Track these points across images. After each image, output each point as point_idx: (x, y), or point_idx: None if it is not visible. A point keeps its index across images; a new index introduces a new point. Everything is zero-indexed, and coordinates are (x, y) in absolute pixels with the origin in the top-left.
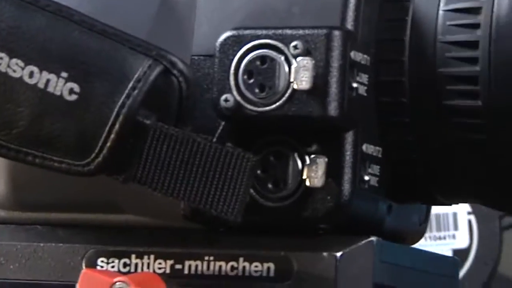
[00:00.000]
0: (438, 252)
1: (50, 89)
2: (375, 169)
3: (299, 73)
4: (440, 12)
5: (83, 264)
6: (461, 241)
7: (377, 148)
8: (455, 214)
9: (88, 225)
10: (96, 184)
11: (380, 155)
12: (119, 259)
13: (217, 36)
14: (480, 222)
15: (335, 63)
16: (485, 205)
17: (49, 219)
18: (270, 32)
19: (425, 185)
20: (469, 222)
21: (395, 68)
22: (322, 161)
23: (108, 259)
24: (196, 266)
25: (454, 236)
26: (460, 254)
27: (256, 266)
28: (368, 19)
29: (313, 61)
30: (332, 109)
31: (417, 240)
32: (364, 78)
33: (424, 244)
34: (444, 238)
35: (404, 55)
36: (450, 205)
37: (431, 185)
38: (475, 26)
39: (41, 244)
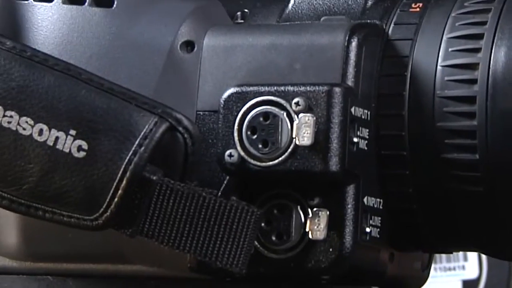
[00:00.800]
0: (448, 283)
1: (59, 146)
2: (376, 220)
3: (301, 129)
4: (439, 67)
5: None
6: (471, 272)
7: (378, 199)
8: None
9: (98, 276)
10: (106, 236)
11: (381, 207)
12: None
13: (221, 92)
14: None
15: (336, 119)
16: (485, 254)
17: (60, 270)
18: (273, 88)
19: (426, 234)
20: (479, 252)
21: (395, 122)
22: (324, 214)
23: None
24: None
25: (463, 267)
26: (470, 285)
27: None
28: (368, 75)
29: (315, 118)
30: (333, 164)
31: (420, 286)
32: (364, 132)
33: (434, 275)
34: (454, 269)
35: (403, 109)
36: (451, 253)
37: (432, 234)
38: (473, 81)
39: None
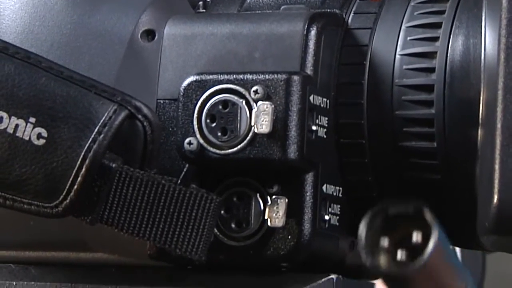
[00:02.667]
0: None
1: (19, 134)
2: (336, 208)
3: (260, 117)
4: (397, 56)
5: None
6: None
7: (337, 188)
8: None
9: (59, 263)
10: (67, 224)
11: (340, 195)
12: None
13: (181, 81)
14: None
15: (294, 107)
16: None
17: (21, 258)
18: (232, 77)
19: None
20: None
21: (354, 110)
22: (283, 202)
23: None
24: None
25: None
26: None
27: None
28: (327, 64)
29: (273, 106)
30: (292, 152)
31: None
32: (323, 120)
33: None
34: None
35: (362, 98)
36: None
37: None
38: (431, 70)
39: (14, 282)
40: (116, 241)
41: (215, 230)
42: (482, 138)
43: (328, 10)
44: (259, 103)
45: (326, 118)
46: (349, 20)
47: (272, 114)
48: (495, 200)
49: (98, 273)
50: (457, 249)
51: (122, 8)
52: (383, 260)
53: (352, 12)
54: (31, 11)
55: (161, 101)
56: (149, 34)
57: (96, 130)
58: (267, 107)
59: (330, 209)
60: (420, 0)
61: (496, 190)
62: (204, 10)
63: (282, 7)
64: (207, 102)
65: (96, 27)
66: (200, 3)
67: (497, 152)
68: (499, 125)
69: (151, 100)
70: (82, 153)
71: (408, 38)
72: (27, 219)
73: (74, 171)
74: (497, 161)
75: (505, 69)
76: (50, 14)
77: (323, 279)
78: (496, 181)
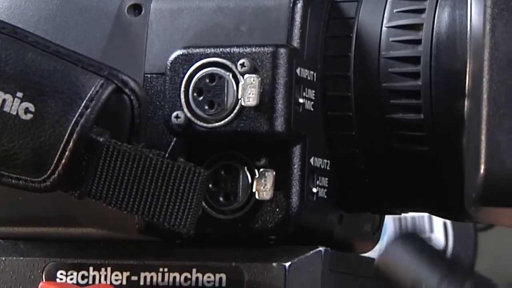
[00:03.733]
0: None
1: (6, 108)
2: (323, 181)
3: (246, 90)
4: (384, 28)
5: (43, 277)
6: (437, 243)
7: (325, 160)
8: (430, 216)
9: (48, 239)
10: (55, 199)
11: (328, 167)
12: (78, 271)
13: (168, 55)
14: (455, 224)
15: (281, 80)
16: (432, 214)
17: (11, 233)
18: (219, 50)
19: (374, 195)
20: (444, 224)
21: (341, 83)
22: (270, 175)
23: (67, 271)
24: (151, 278)
25: (430, 239)
26: None
27: (208, 277)
28: (314, 36)
29: (260, 78)
30: (279, 124)
31: (370, 248)
32: (310, 93)
33: None
34: None
35: (349, 70)
36: (400, 214)
37: (379, 195)
38: (417, 42)
39: (3, 258)
40: (104, 215)
41: (203, 204)
42: (468, 109)
43: None
44: (246, 76)
45: (313, 91)
46: None
47: (259, 87)
48: (482, 170)
49: (87, 247)
50: (449, 231)
51: None
52: None
53: None
54: None
55: (148, 75)
56: (136, 8)
57: (83, 104)
58: (253, 80)
59: (318, 181)
60: None
61: (482, 160)
62: None
63: None
64: (194, 76)
65: (82, 1)
66: None
67: (484, 122)
68: (485, 96)
69: (138, 74)
70: (70, 128)
71: (394, 10)
72: (16, 194)
73: (62, 146)
74: (484, 131)
75: (491, 40)
76: None
77: (311, 252)
78: (483, 152)
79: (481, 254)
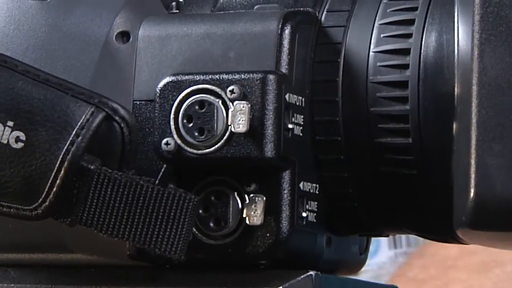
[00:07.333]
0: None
1: None
2: (313, 205)
3: (236, 117)
4: (371, 53)
5: None
6: None
7: (314, 185)
8: None
9: (39, 265)
10: (46, 226)
11: (317, 192)
12: None
13: (157, 82)
14: None
15: (270, 106)
16: (420, 236)
17: (1, 260)
18: (208, 77)
19: (362, 218)
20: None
21: (329, 108)
22: (260, 200)
23: None
24: None
25: None
26: None
27: None
28: (302, 62)
29: (249, 105)
30: (269, 150)
31: (358, 269)
32: (299, 118)
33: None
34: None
35: (337, 95)
36: (388, 236)
37: (368, 217)
38: (404, 66)
39: None
40: (95, 241)
41: (194, 229)
42: (456, 133)
43: (301, 9)
44: (236, 102)
45: (302, 116)
46: (323, 18)
47: (249, 113)
48: (472, 194)
49: (77, 274)
50: None
51: (96, 11)
52: None
53: (325, 10)
54: (6, 15)
55: (137, 102)
56: (124, 35)
57: (74, 132)
58: (243, 107)
59: (307, 206)
60: None
61: (472, 184)
62: (177, 11)
63: (256, 6)
64: (184, 103)
65: (70, 29)
66: (173, 3)
67: (473, 147)
68: (474, 120)
69: (127, 102)
70: (61, 156)
71: (382, 35)
72: (5, 221)
73: (53, 174)
74: (473, 155)
75: (479, 65)
76: (25, 18)
77: (302, 276)
78: (473, 176)
79: None
